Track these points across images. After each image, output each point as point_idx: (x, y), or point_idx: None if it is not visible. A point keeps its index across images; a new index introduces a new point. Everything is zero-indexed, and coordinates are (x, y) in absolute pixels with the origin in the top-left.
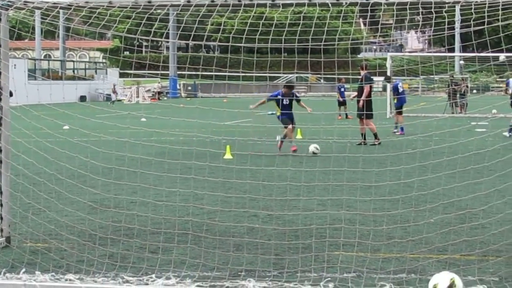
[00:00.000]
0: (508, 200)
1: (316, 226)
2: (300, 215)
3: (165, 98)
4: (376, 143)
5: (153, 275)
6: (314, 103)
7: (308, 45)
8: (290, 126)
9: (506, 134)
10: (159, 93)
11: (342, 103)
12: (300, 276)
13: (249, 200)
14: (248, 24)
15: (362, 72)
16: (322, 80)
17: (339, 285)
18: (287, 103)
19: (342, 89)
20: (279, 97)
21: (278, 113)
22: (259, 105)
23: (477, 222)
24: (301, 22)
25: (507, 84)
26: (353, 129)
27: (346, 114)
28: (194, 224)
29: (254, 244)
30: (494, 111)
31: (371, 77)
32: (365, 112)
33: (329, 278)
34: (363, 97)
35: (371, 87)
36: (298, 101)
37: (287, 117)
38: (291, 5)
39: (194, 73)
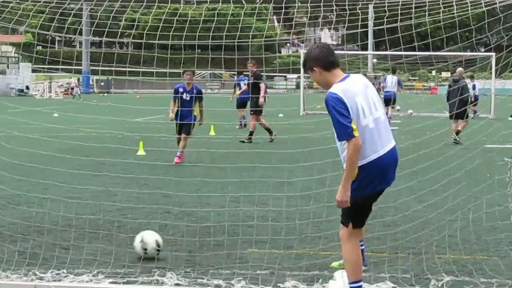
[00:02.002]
0: (418, 197)
1: (229, 223)
2: (212, 212)
3: (79, 94)
4: (271, 137)
5: (64, 270)
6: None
7: (222, 42)
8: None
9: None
10: (72, 88)
11: None
12: (212, 273)
13: (162, 197)
14: (162, 21)
15: (253, 69)
16: (235, 77)
17: (251, 282)
18: (188, 99)
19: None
20: (181, 90)
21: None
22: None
23: (388, 219)
24: (215, 19)
25: (384, 81)
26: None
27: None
28: (106, 221)
29: (166, 240)
30: (410, 111)
31: (261, 74)
32: (254, 108)
33: (241, 276)
34: (262, 94)
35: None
36: (200, 100)
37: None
38: (205, 1)
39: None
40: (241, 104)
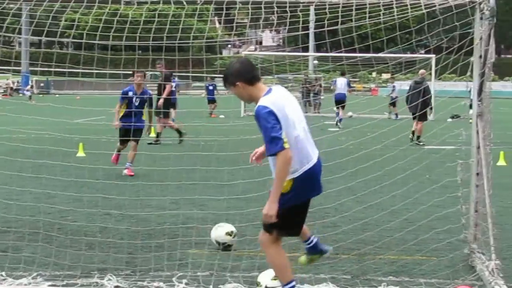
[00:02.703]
0: (358, 198)
1: (169, 225)
2: (153, 214)
3: (21, 95)
4: (180, 139)
5: (3, 273)
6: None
7: (163, 43)
8: (132, 143)
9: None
10: (12, 89)
11: (211, 101)
12: (152, 275)
13: (102, 199)
14: (103, 21)
15: (163, 70)
16: (176, 78)
17: (191, 283)
18: (137, 103)
19: (211, 87)
20: (131, 93)
21: (116, 122)
22: (118, 115)
23: (328, 220)
24: (156, 19)
25: (334, 83)
26: (206, 128)
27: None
28: (46, 223)
29: (106, 243)
30: (349, 113)
31: (171, 75)
32: (162, 110)
33: (181, 277)
34: (164, 95)
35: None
36: (150, 105)
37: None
38: (145, 2)
39: (47, 69)
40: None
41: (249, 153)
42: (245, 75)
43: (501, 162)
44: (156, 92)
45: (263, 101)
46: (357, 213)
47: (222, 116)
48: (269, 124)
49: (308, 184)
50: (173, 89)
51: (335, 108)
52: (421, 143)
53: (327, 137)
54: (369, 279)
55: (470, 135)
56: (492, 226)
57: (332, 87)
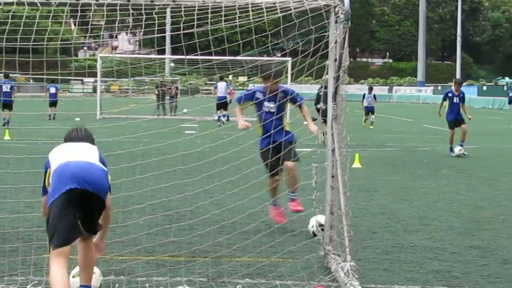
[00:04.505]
0: (215, 200)
1: (23, 228)
2: (7, 217)
3: None
4: None
5: None
6: (23, 104)
7: (17, 45)
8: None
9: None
10: None
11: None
12: (7, 280)
13: None
14: None
15: None
16: (31, 81)
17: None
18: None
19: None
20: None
21: (259, 133)
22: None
23: (185, 223)
24: (10, 21)
25: (216, 87)
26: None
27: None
28: None
29: None
30: (184, 110)
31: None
32: None
33: (36, 281)
34: None
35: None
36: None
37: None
38: None
39: None
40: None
41: (104, 156)
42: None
43: (356, 164)
44: None
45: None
46: (213, 216)
47: (77, 119)
48: None
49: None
50: (8, 90)
51: (217, 111)
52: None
53: (184, 140)
54: (225, 281)
55: (326, 138)
56: (347, 227)
57: (213, 91)
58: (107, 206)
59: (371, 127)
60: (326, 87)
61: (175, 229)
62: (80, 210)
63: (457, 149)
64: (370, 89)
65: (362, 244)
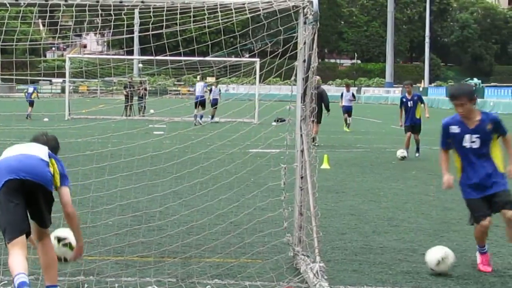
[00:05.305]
0: (184, 201)
1: None
2: None
3: None
4: None
5: None
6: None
7: None
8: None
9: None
10: None
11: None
12: None
13: None
14: None
15: None
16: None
17: None
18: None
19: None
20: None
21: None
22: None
23: (154, 224)
24: None
25: (194, 88)
26: (31, 131)
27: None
28: None
29: None
30: (151, 111)
31: None
32: None
33: (5, 281)
34: None
35: None
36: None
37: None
38: None
39: None
40: None
41: (73, 157)
42: None
43: (325, 165)
44: None
45: None
46: (182, 217)
47: (46, 119)
48: None
49: None
50: None
51: (195, 109)
52: (316, 144)
53: (152, 141)
54: (194, 282)
55: (294, 138)
56: (317, 228)
57: (193, 90)
58: (64, 202)
59: (348, 129)
60: (316, 88)
61: (144, 230)
62: (24, 199)
63: (399, 151)
64: (348, 87)
65: (331, 245)
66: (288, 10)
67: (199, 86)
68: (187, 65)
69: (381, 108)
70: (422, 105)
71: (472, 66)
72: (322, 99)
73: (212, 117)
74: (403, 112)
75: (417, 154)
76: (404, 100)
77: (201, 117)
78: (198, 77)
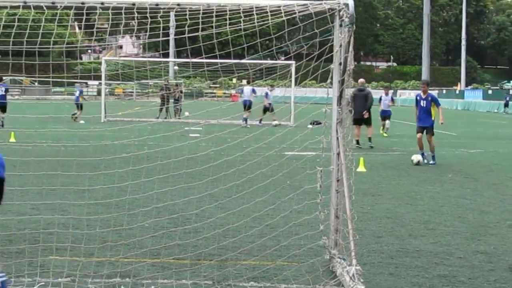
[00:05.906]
0: (220, 204)
1: (29, 230)
2: (13, 219)
3: None
4: None
5: None
6: (27, 107)
7: (22, 48)
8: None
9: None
10: None
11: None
12: (14, 282)
13: None
14: None
15: None
16: (36, 83)
17: None
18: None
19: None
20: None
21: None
22: None
23: (190, 226)
24: (16, 24)
25: (241, 91)
26: (67, 133)
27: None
28: None
29: None
30: (186, 113)
31: None
32: None
33: (42, 283)
34: None
35: None
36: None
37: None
38: (5, 7)
39: None
40: None
41: (110, 159)
42: None
43: (361, 168)
44: None
45: None
46: (218, 219)
47: (82, 122)
48: None
49: None
50: (2, 93)
51: (244, 113)
52: (372, 145)
53: (189, 144)
54: (230, 284)
55: (330, 141)
56: (353, 231)
57: (240, 95)
58: None
59: (385, 134)
60: (362, 90)
61: (180, 232)
62: None
63: (414, 156)
64: (386, 90)
65: (367, 248)
66: (324, 12)
67: (247, 90)
68: (222, 67)
69: None
70: (437, 108)
71: (509, 68)
72: (366, 101)
73: (261, 120)
74: (417, 111)
75: (432, 162)
76: (418, 98)
77: (245, 120)
78: (244, 81)
